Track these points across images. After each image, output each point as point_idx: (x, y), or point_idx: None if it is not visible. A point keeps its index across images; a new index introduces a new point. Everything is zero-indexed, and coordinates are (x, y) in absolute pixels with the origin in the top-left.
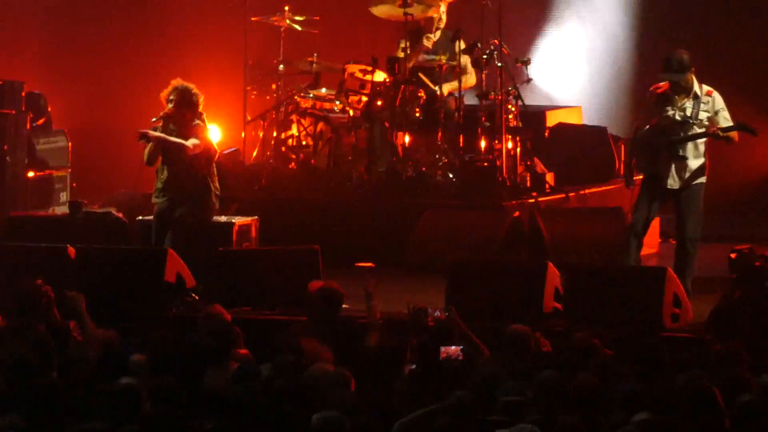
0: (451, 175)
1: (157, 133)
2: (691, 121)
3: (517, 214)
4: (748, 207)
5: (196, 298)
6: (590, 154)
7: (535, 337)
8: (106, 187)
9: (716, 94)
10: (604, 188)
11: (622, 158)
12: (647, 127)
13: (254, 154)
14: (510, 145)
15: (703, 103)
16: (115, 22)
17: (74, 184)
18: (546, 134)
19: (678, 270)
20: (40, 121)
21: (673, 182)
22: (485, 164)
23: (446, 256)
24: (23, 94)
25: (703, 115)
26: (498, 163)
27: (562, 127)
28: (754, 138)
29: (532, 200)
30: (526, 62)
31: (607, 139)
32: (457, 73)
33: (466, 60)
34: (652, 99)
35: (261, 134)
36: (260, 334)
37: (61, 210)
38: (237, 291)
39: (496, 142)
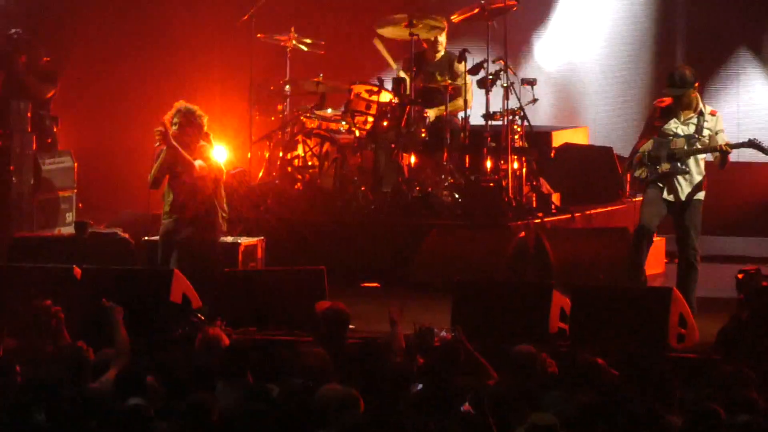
0: (456, 196)
1: (174, 143)
2: (696, 137)
3: (522, 234)
4: (751, 227)
5: (202, 318)
6: (596, 174)
7: (541, 357)
8: (112, 208)
9: (719, 115)
10: (609, 208)
11: (628, 178)
12: (650, 140)
13: (260, 174)
14: (516, 165)
15: (707, 120)
16: (121, 44)
17: (80, 205)
18: (552, 154)
19: (683, 286)
20: (47, 142)
21: (674, 196)
22: (491, 184)
23: (452, 276)
24: (29, 114)
25: (706, 132)
26: (504, 183)
27: (568, 148)
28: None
29: (538, 220)
30: (532, 82)
31: (613, 160)
32: (457, 94)
33: (461, 81)
34: (656, 113)
35: (267, 154)
36: (266, 355)
37: (67, 230)
38: (243, 311)
39: (502, 162)
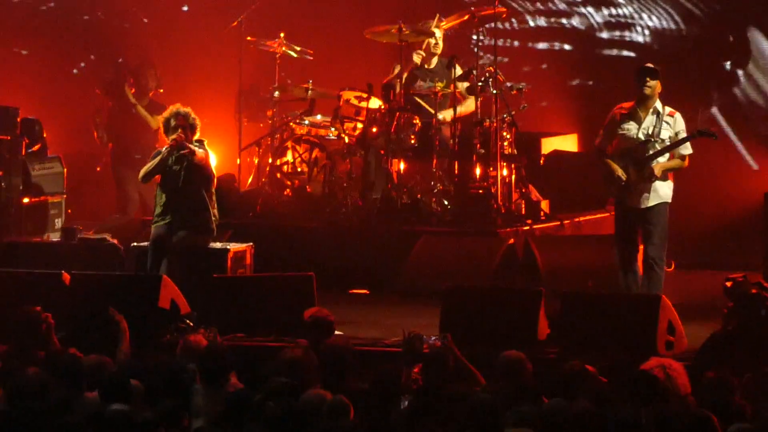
0: (446, 202)
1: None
2: (653, 140)
3: (511, 241)
4: (734, 234)
5: (191, 324)
6: (585, 181)
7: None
8: (101, 214)
9: (678, 115)
10: (598, 216)
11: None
12: (605, 147)
13: (249, 180)
14: (505, 172)
15: (665, 122)
16: (111, 50)
17: (69, 211)
18: (541, 161)
19: (648, 287)
20: (36, 147)
21: (638, 201)
22: (480, 191)
23: (441, 282)
24: (18, 119)
25: (665, 134)
26: (493, 190)
27: (557, 155)
28: (744, 165)
29: (527, 227)
30: (522, 89)
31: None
32: (454, 99)
33: (462, 87)
34: (615, 118)
35: (256, 161)
36: (255, 361)
37: (56, 236)
38: (232, 317)
39: (491, 169)
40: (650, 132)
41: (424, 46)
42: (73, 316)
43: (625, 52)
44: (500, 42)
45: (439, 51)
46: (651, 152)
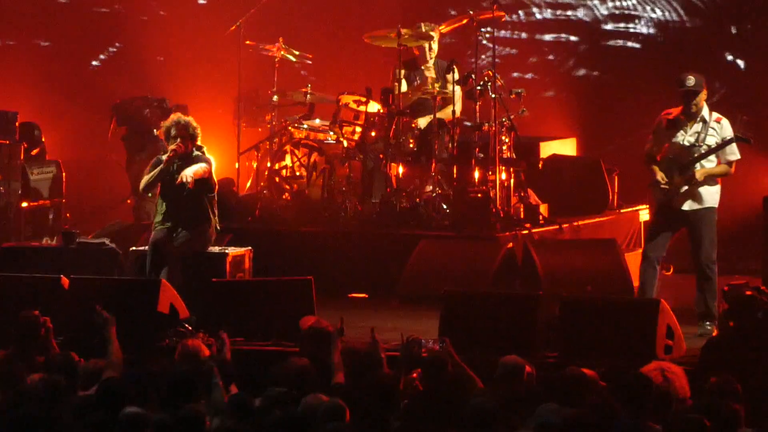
0: (444, 207)
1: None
2: (697, 146)
3: (510, 245)
4: (734, 238)
5: (190, 329)
6: (584, 185)
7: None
8: (99, 218)
9: (725, 122)
10: (597, 220)
11: (616, 190)
12: (656, 154)
13: (248, 184)
14: (504, 176)
15: (712, 128)
16: (110, 54)
17: (68, 215)
18: (540, 166)
19: (700, 295)
20: (34, 152)
21: (683, 205)
22: (479, 195)
23: (440, 287)
24: (17, 124)
25: (710, 141)
26: (492, 194)
27: (555, 159)
28: (743, 169)
29: (526, 232)
30: (520, 94)
31: (601, 171)
32: (450, 102)
33: (457, 90)
34: (662, 125)
35: (255, 165)
36: (254, 365)
37: (55, 240)
38: (230, 322)
39: (490, 173)
40: (696, 138)
41: (427, 57)
42: (72, 321)
43: (630, 43)
44: (507, 34)
45: (434, 54)
46: (695, 155)
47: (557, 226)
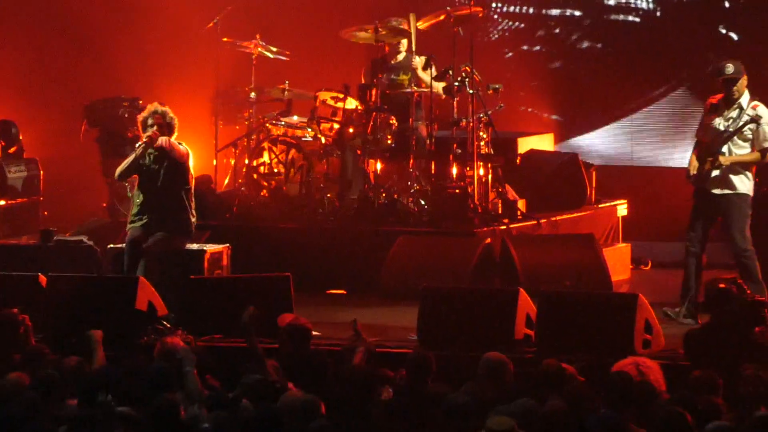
0: (423, 202)
1: (165, 139)
2: (731, 131)
3: (488, 240)
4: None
5: (168, 326)
6: (562, 181)
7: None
8: (77, 216)
9: (762, 108)
10: (575, 215)
11: (594, 185)
12: (701, 138)
13: (226, 181)
14: (482, 172)
15: (747, 114)
16: (86, 52)
17: (45, 213)
18: (518, 161)
19: (743, 281)
20: (12, 150)
21: (713, 188)
22: (457, 191)
23: (418, 283)
24: None
25: (742, 129)
26: (470, 190)
27: (533, 154)
28: None
29: (504, 227)
30: (498, 89)
31: (579, 166)
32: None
33: (435, 86)
34: (706, 110)
35: (233, 162)
36: (232, 362)
37: (33, 238)
38: (209, 319)
39: (468, 169)
40: (729, 124)
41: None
42: (50, 319)
43: (631, 18)
44: (515, 9)
45: (403, 48)
46: (725, 137)
47: (535, 222)
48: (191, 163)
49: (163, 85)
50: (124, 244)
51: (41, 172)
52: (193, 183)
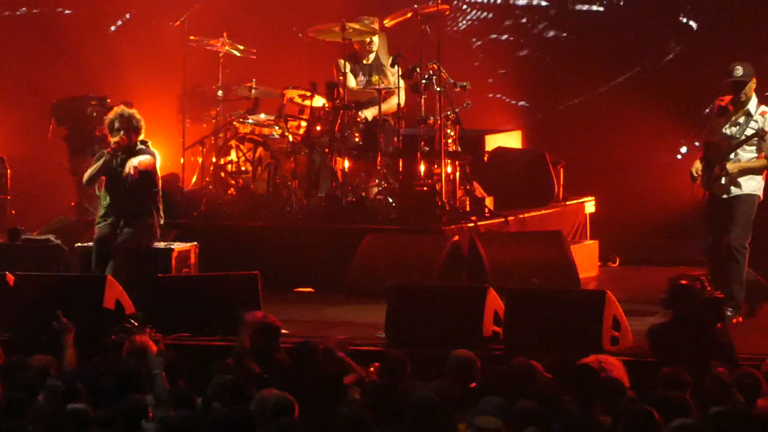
0: (390, 200)
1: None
2: (737, 137)
3: (456, 238)
4: (680, 231)
5: (136, 324)
6: (529, 178)
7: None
8: (45, 215)
9: None
10: (543, 212)
11: (562, 182)
12: (708, 139)
13: (193, 180)
14: (449, 169)
15: (754, 121)
16: (53, 51)
17: (13, 212)
18: (485, 158)
19: (725, 278)
20: None
21: (721, 193)
22: (425, 189)
23: (386, 280)
24: None
25: (749, 132)
26: (437, 187)
27: (500, 152)
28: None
29: (472, 224)
30: (465, 87)
31: (546, 163)
32: (390, 95)
33: (402, 84)
34: (713, 111)
35: (200, 160)
36: (200, 361)
37: (0, 237)
38: (177, 317)
39: (436, 166)
40: (737, 129)
41: (367, 52)
42: (17, 318)
43: (595, 7)
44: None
45: (375, 48)
46: (732, 144)
47: (503, 219)
48: (158, 164)
49: (131, 83)
50: (91, 243)
51: (8, 171)
52: (160, 184)
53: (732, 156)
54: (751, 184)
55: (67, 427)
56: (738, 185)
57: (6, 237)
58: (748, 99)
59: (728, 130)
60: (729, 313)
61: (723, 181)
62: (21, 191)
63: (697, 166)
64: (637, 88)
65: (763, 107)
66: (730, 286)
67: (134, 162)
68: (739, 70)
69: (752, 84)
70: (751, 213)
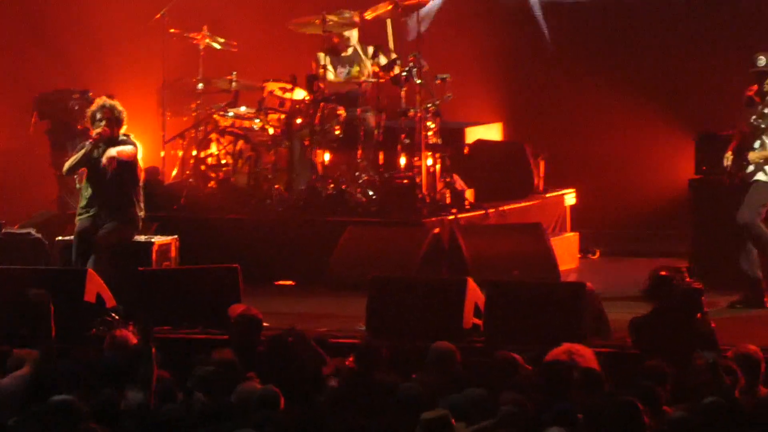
0: (371, 193)
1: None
2: (762, 126)
3: (437, 230)
4: (661, 221)
5: (117, 318)
6: (509, 170)
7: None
8: (27, 209)
9: None
10: (523, 204)
11: (542, 174)
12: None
13: (173, 173)
14: (429, 161)
15: None
16: (35, 44)
17: None
18: (465, 151)
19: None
20: None
21: (752, 179)
22: (405, 181)
23: (367, 273)
24: None
25: None
26: (418, 180)
27: (481, 144)
28: (669, 153)
29: (452, 217)
30: (446, 79)
31: (526, 155)
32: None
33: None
34: (744, 101)
35: (180, 153)
36: (180, 353)
37: None
38: (157, 310)
39: (416, 159)
40: (761, 120)
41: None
42: None
43: None
44: None
45: (354, 42)
46: (757, 134)
47: (483, 211)
48: (140, 156)
49: (112, 76)
50: (72, 237)
51: None
52: (142, 176)
53: (757, 145)
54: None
55: (54, 419)
56: (764, 171)
57: None
58: None
59: (754, 119)
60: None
61: (750, 169)
62: (3, 186)
63: (728, 155)
64: (619, 81)
65: None
66: (740, 264)
67: (113, 152)
68: (762, 60)
69: None
70: (763, 198)
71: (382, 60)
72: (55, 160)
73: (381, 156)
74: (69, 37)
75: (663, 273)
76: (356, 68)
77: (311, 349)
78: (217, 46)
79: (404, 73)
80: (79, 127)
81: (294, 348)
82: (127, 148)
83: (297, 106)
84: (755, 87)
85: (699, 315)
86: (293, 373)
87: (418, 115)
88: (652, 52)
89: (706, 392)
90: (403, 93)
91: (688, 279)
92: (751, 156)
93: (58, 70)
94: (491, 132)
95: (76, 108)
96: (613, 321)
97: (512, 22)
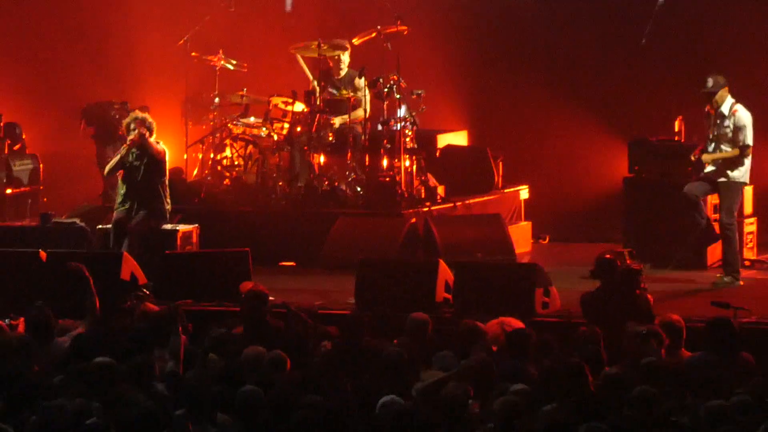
0: (358, 189)
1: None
2: (714, 134)
3: (413, 220)
4: (600, 212)
5: (147, 293)
6: (474, 170)
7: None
8: (71, 202)
9: (740, 112)
10: (485, 198)
11: (501, 173)
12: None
13: (194, 172)
14: (408, 163)
15: (728, 119)
16: (82, 61)
17: (45, 199)
18: (437, 154)
19: (723, 250)
20: (16, 147)
21: (717, 177)
22: (387, 179)
23: (355, 256)
24: (1, 124)
25: (725, 130)
26: (398, 178)
27: (450, 148)
28: (609, 153)
29: (426, 209)
30: (420, 94)
31: (488, 157)
32: (358, 104)
33: (367, 93)
34: (704, 115)
35: (200, 156)
36: (200, 323)
37: (34, 221)
38: (181, 287)
39: (396, 161)
40: (714, 129)
41: (339, 69)
42: (49, 287)
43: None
44: None
45: (345, 65)
46: (712, 150)
47: (452, 204)
48: (167, 158)
49: (145, 91)
50: (110, 225)
51: (41, 165)
52: (168, 175)
53: (710, 149)
54: (732, 173)
55: (95, 378)
56: (727, 174)
57: (38, 221)
58: (720, 105)
59: (710, 130)
60: (727, 280)
61: (709, 169)
62: (53, 183)
63: (694, 156)
64: (563, 93)
65: (735, 106)
66: (726, 257)
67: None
68: (709, 82)
69: (722, 92)
70: (736, 197)
71: (362, 83)
72: (99, 160)
73: (367, 158)
74: (111, 58)
75: (608, 256)
76: (344, 90)
77: (301, 321)
78: (231, 67)
79: (386, 90)
80: (119, 133)
81: (288, 319)
82: (159, 146)
83: (297, 117)
84: (708, 105)
85: (638, 291)
86: (287, 339)
87: (398, 124)
88: (592, 67)
89: (639, 355)
90: (385, 106)
91: (629, 261)
92: (705, 157)
93: (102, 84)
94: (459, 138)
95: (117, 117)
96: (561, 296)
97: (475, 44)
